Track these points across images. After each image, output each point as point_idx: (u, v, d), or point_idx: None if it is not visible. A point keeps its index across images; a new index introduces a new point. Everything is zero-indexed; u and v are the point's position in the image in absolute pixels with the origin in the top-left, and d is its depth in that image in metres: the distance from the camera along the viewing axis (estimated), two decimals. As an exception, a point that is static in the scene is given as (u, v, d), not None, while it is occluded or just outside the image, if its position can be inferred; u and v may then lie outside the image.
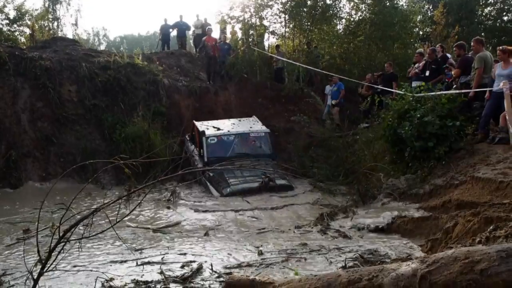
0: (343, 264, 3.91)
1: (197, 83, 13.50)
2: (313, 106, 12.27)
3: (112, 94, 11.64)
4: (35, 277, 2.82)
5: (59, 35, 16.25)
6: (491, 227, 3.58)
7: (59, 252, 2.87)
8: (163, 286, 3.39)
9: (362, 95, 11.64)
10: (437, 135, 6.61)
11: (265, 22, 14.93)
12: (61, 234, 2.81)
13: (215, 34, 14.88)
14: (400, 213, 5.84)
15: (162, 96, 12.32)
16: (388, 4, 14.37)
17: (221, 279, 3.55)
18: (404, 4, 16.02)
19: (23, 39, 15.72)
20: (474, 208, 4.55)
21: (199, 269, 3.81)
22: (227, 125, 10.57)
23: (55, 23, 17.49)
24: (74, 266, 3.99)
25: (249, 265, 4.06)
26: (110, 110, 11.44)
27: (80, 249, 3.37)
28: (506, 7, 20.49)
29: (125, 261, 4.26)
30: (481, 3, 20.41)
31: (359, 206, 6.93)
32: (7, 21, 15.79)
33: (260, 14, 14.66)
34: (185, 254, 4.48)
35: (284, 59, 13.20)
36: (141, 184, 3.89)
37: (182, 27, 16.45)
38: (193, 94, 12.89)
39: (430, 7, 19.62)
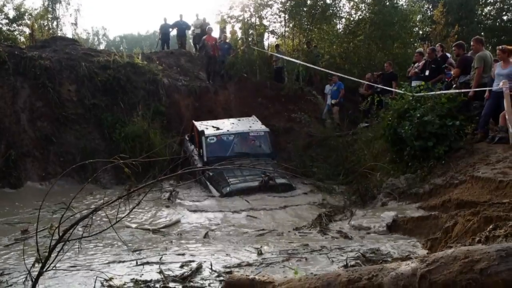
0: (345, 263, 3.90)
1: (196, 82, 13.50)
2: (313, 106, 12.26)
3: (111, 93, 11.63)
4: (33, 277, 2.82)
5: (59, 34, 16.22)
6: (490, 227, 3.58)
7: (59, 252, 2.87)
8: (162, 285, 3.39)
9: (362, 95, 11.65)
10: (436, 134, 6.62)
11: (265, 22, 14.92)
12: (60, 234, 2.81)
13: (215, 33, 14.89)
14: (400, 212, 5.84)
15: (162, 96, 12.32)
16: (387, 3, 14.35)
17: (221, 278, 3.55)
18: (404, 4, 16.02)
19: (22, 39, 15.71)
20: (473, 208, 4.55)
21: (199, 269, 3.80)
22: (226, 125, 10.57)
23: (55, 23, 17.46)
24: (73, 266, 3.98)
25: (249, 264, 4.06)
26: (110, 110, 11.43)
27: (80, 249, 3.37)
28: (505, 7, 20.50)
29: (124, 261, 4.26)
30: (480, 3, 20.41)
31: (359, 206, 6.93)
32: (7, 21, 15.79)
33: (259, 14, 14.64)
34: (184, 254, 4.47)
35: (285, 57, 13.20)
36: (141, 183, 3.90)
37: (182, 27, 16.45)
38: (192, 93, 12.89)
39: (430, 7, 19.62)
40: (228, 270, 3.81)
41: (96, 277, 3.44)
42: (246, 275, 2.92)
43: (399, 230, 5.47)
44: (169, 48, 16.39)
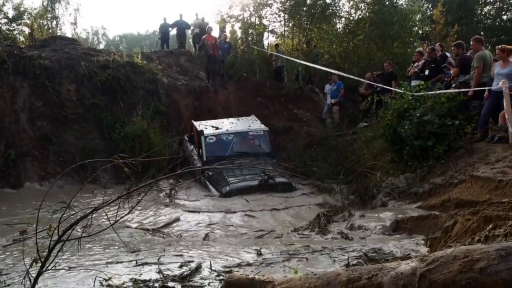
0: (346, 263, 3.89)
1: (196, 82, 13.51)
2: (313, 105, 12.27)
3: (111, 93, 11.63)
4: (31, 277, 2.81)
5: (58, 34, 16.21)
6: (490, 226, 3.58)
7: (58, 252, 2.86)
8: (161, 285, 3.38)
9: (362, 94, 11.65)
10: (436, 134, 6.62)
11: (265, 21, 14.93)
12: (60, 234, 2.81)
13: (214, 33, 14.88)
14: (399, 212, 5.84)
15: (162, 95, 12.32)
16: (387, 3, 14.37)
17: (221, 277, 3.55)
18: (403, 3, 16.04)
19: (22, 38, 15.69)
20: (473, 207, 4.55)
21: (198, 268, 3.79)
22: (225, 125, 10.57)
23: (54, 22, 17.46)
24: (71, 268, 3.97)
25: (249, 264, 4.05)
26: (109, 109, 11.44)
27: (79, 248, 3.36)
28: (505, 6, 20.50)
29: (123, 262, 4.25)
30: (480, 2, 20.41)
31: (359, 205, 6.93)
32: (6, 20, 15.78)
33: (259, 13, 14.65)
34: (183, 255, 4.46)
35: (284, 57, 13.20)
36: (140, 183, 3.89)
37: (181, 26, 16.44)
38: (192, 93, 12.89)
39: (430, 6, 19.62)
40: (227, 270, 3.81)
41: (96, 276, 3.43)
42: (246, 275, 2.92)
43: (400, 230, 5.47)
44: (168, 48, 16.39)
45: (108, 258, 4.49)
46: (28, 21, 16.01)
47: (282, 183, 8.82)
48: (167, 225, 6.67)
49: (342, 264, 3.87)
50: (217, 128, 10.24)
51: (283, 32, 15.46)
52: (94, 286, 3.36)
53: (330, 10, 14.64)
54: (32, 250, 2.91)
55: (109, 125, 11.15)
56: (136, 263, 4.12)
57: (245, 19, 14.58)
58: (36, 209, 3.31)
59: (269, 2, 14.53)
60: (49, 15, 17.34)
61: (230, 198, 8.26)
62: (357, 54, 14.44)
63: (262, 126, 10.43)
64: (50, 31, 16.71)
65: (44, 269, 2.80)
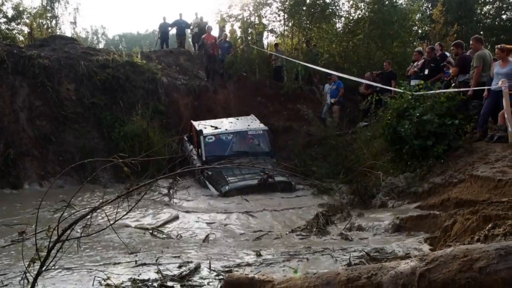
0: (348, 263, 3.87)
1: (196, 81, 13.50)
2: (312, 105, 12.27)
3: (111, 92, 11.63)
4: (29, 277, 2.81)
5: (58, 33, 16.22)
6: (489, 225, 3.59)
7: (58, 251, 2.86)
8: (159, 284, 3.38)
9: (362, 94, 11.65)
10: (436, 133, 6.62)
11: (264, 21, 14.92)
12: (59, 233, 2.81)
13: (214, 32, 14.88)
14: (399, 212, 5.84)
15: (161, 95, 12.32)
16: (387, 2, 14.37)
17: (220, 277, 3.55)
18: (403, 3, 16.04)
19: (21, 38, 15.69)
20: (472, 207, 4.56)
21: (197, 268, 3.79)
22: (224, 124, 10.56)
23: (54, 21, 17.47)
24: (69, 268, 3.97)
25: (248, 264, 4.04)
26: (109, 109, 11.43)
27: (79, 248, 3.36)
28: (504, 5, 20.52)
29: (122, 262, 4.24)
30: (480, 2, 20.43)
31: (358, 205, 6.93)
32: (5, 20, 15.77)
33: (259, 13, 14.64)
34: (181, 256, 4.44)
35: (284, 56, 13.19)
36: (140, 182, 3.89)
37: (181, 26, 16.43)
38: (192, 92, 12.88)
39: (429, 6, 19.63)
40: (227, 270, 3.80)
41: (94, 276, 3.43)
42: (246, 274, 2.92)
43: (400, 230, 5.47)
44: (168, 47, 16.37)
45: (107, 258, 4.48)
46: (27, 21, 16.02)
47: (282, 182, 8.81)
48: (166, 223, 6.65)
49: (344, 264, 3.86)
50: (216, 128, 10.23)
51: (283, 32, 15.47)
52: (93, 285, 3.36)
53: (330, 10, 14.64)
54: (30, 251, 2.90)
55: (109, 124, 11.15)
56: (136, 262, 4.12)
57: (245, 19, 14.58)
58: (36, 209, 3.30)
59: (269, 1, 14.53)
60: (48, 15, 17.35)
61: (229, 198, 8.25)
62: (357, 53, 14.44)
63: (262, 126, 10.42)
64: (49, 30, 16.71)
65: (43, 268, 2.80)
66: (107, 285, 3.29)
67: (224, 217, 6.99)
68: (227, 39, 14.38)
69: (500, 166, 5.43)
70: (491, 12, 20.88)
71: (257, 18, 14.78)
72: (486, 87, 6.79)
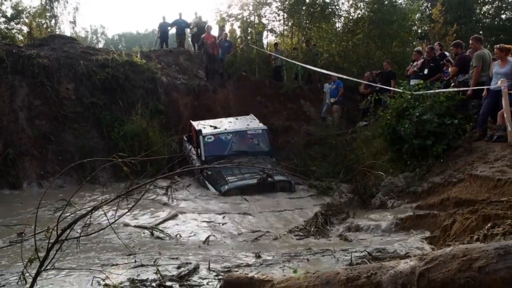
0: (350, 263, 3.86)
1: (195, 81, 13.50)
2: (312, 104, 12.27)
3: (110, 92, 11.62)
4: (27, 277, 2.80)
5: (57, 33, 16.19)
6: (489, 225, 3.59)
7: (57, 251, 2.85)
8: (158, 284, 3.37)
9: (362, 94, 11.65)
10: (435, 133, 6.62)
11: (264, 20, 14.91)
12: (59, 233, 2.80)
13: (214, 32, 14.88)
14: (398, 211, 5.84)
15: (161, 94, 12.31)
16: (386, 2, 14.36)
17: (219, 277, 3.54)
18: (402, 2, 16.04)
19: (20, 37, 15.68)
20: (472, 206, 4.56)
21: (196, 269, 3.78)
22: (224, 124, 10.56)
23: (53, 21, 17.44)
24: (68, 268, 3.96)
25: (248, 265, 4.03)
26: (109, 108, 11.42)
27: (78, 248, 3.36)
28: (504, 5, 20.51)
29: (121, 263, 4.23)
30: (479, 1, 20.41)
31: (357, 205, 6.92)
32: (5, 19, 15.76)
33: (258, 12, 14.63)
34: (179, 258, 4.42)
35: (282, 57, 13.19)
36: (140, 182, 3.89)
37: (181, 25, 16.42)
38: (191, 92, 12.88)
39: (429, 5, 19.62)
40: (226, 270, 3.80)
41: (93, 277, 3.43)
42: (245, 273, 2.92)
43: (399, 230, 5.47)
44: (168, 47, 16.36)
45: (106, 260, 4.47)
46: (26, 20, 16.00)
47: (281, 181, 8.81)
48: (165, 221, 6.64)
49: (346, 264, 3.85)
50: (215, 128, 10.22)
51: (283, 31, 15.46)
52: (91, 286, 3.36)
53: (329, 9, 14.63)
54: (29, 252, 2.89)
55: (108, 124, 11.14)
56: (135, 261, 4.12)
57: (244, 18, 14.57)
58: (36, 208, 3.30)
59: (268, 1, 14.52)
60: (48, 14, 17.31)
61: (228, 198, 8.24)
62: (356, 53, 14.43)
63: (261, 125, 10.42)
64: (49, 30, 16.68)
65: (42, 268, 2.80)
66: (106, 285, 3.28)
67: (223, 218, 6.97)
68: (227, 38, 14.37)
69: (499, 165, 5.43)
70: (490, 12, 20.88)
71: (256, 17, 14.78)
72: (485, 87, 6.79)
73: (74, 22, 18.11)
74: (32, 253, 2.83)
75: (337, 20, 15.38)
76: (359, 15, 14.80)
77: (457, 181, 5.73)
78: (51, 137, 10.54)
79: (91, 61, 11.97)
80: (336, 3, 14.88)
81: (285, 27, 15.34)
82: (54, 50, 12.30)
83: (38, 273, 2.80)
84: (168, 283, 3.42)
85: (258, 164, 8.82)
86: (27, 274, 2.82)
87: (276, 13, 14.71)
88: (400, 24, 14.00)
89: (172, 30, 16.83)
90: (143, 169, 7.38)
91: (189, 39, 17.93)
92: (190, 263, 4.02)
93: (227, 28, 15.74)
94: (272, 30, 15.30)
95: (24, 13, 16.19)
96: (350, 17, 15.05)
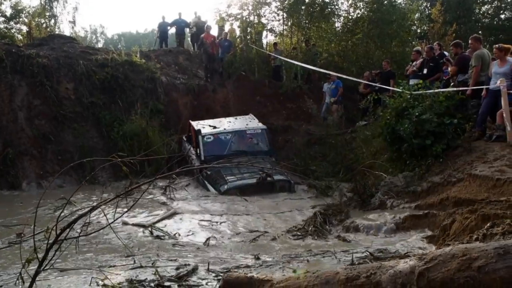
0: (351, 263, 3.85)
1: (195, 80, 13.49)
2: (312, 104, 12.28)
3: (109, 91, 11.61)
4: (25, 278, 2.79)
5: (56, 32, 16.18)
6: (488, 224, 3.60)
7: (56, 251, 2.85)
8: (156, 284, 3.37)
9: (361, 93, 11.65)
10: (434, 132, 6.63)
11: (263, 20, 14.91)
12: (58, 232, 2.80)
13: (213, 32, 14.87)
14: (398, 211, 5.84)
15: (160, 94, 12.31)
16: (386, 2, 14.36)
17: (219, 277, 3.54)
18: (402, 2, 16.05)
19: (20, 37, 15.64)
20: (471, 206, 4.57)
21: (195, 269, 3.77)
22: (223, 124, 10.55)
23: (52, 21, 17.44)
24: (67, 268, 3.95)
25: (247, 266, 4.02)
26: (108, 108, 11.42)
27: (77, 247, 3.35)
28: (503, 5, 20.53)
29: (120, 264, 4.22)
30: (478, 1, 20.42)
31: (357, 205, 6.92)
32: (4, 19, 15.74)
33: (258, 12, 14.63)
34: (177, 260, 4.42)
35: (282, 58, 13.19)
36: (139, 181, 3.88)
37: (180, 25, 16.39)
38: (191, 91, 12.88)
39: (428, 5, 19.63)
40: (225, 270, 3.79)
41: (92, 277, 3.42)
42: (245, 273, 2.92)
43: (399, 229, 5.47)
44: (167, 46, 16.34)
45: (104, 261, 4.46)
46: (26, 20, 15.97)
47: (281, 180, 8.81)
48: (163, 219, 6.63)
49: (348, 265, 3.83)
50: (214, 127, 10.22)
51: (282, 31, 15.45)
52: (90, 286, 3.35)
53: (329, 9, 14.63)
54: (28, 253, 2.87)
55: (108, 123, 11.14)
56: (134, 261, 4.12)
57: (244, 18, 14.56)
58: (35, 208, 3.29)
59: (268, 0, 14.52)
60: (47, 14, 17.30)
61: (228, 198, 8.23)
62: (356, 53, 14.44)
63: (260, 125, 10.41)
64: (48, 29, 16.66)
65: (42, 268, 2.79)
66: (104, 285, 3.28)
67: (221, 217, 6.96)
68: (227, 38, 14.36)
69: (498, 165, 5.44)
70: (489, 12, 20.89)
71: (256, 17, 14.77)
72: (484, 87, 6.79)
73: (73, 22, 18.16)
74: (31, 254, 2.82)
75: (336, 20, 15.38)
76: (359, 15, 14.80)
77: (456, 181, 5.73)
78: (51, 137, 10.53)
79: (91, 61, 11.96)
80: (335, 3, 14.90)
81: (285, 27, 15.34)
82: (54, 49, 12.29)
83: (37, 273, 2.79)
84: (167, 283, 3.41)
85: (258, 164, 8.81)
86: (25, 275, 2.81)
87: (275, 12, 14.73)
88: (400, 24, 14.01)
89: (172, 30, 16.81)
90: (142, 169, 7.38)
91: (189, 39, 17.91)
92: (189, 264, 4.02)
93: (227, 28, 15.74)
94: (271, 30, 15.31)
95: (24, 12, 16.17)
96: (350, 17, 15.06)
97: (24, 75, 10.88)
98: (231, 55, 13.73)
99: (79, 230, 3.34)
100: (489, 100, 6.64)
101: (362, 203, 6.89)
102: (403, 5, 15.63)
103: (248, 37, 14.74)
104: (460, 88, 7.27)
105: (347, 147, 9.96)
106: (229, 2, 14.35)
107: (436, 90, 7.27)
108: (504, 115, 6.15)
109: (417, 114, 6.81)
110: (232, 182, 8.67)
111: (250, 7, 14.45)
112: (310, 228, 5.85)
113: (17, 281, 3.03)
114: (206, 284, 3.44)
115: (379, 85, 10.10)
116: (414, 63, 9.76)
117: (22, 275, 2.80)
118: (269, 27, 15.10)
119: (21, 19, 16.08)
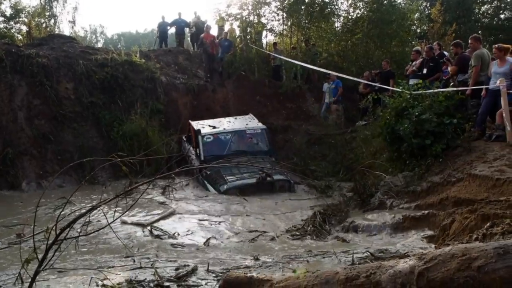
0: (352, 263, 3.85)
1: (194, 80, 13.48)
2: (312, 104, 12.28)
3: (109, 91, 11.61)
4: (24, 278, 2.79)
5: (56, 32, 16.17)
6: (488, 224, 3.60)
7: (56, 251, 2.85)
8: (155, 284, 3.37)
9: (361, 93, 11.66)
10: (434, 132, 6.63)
11: (263, 20, 14.91)
12: (58, 232, 2.80)
13: (213, 31, 14.86)
14: (397, 211, 5.84)
15: (160, 94, 12.30)
16: (385, 1, 14.38)
17: (218, 278, 3.54)
18: (401, 2, 16.06)
19: (19, 37, 15.64)
20: (471, 205, 4.57)
21: (194, 270, 3.77)
22: (223, 123, 10.55)
23: (52, 20, 17.43)
24: (65, 270, 3.95)
25: (247, 267, 4.02)
26: (108, 108, 11.42)
27: (77, 247, 3.35)
28: (503, 5, 20.54)
29: (119, 264, 4.22)
30: (478, 1, 20.44)
31: (357, 205, 6.92)
32: (4, 19, 15.73)
33: (258, 12, 14.63)
34: (177, 260, 4.41)
35: (282, 57, 13.19)
36: (139, 181, 3.88)
37: (180, 25, 16.38)
38: (190, 91, 12.87)
39: (428, 5, 19.64)
40: (225, 271, 3.79)
41: (91, 277, 3.42)
42: (245, 273, 2.91)
43: (399, 229, 5.47)
44: (167, 46, 16.34)
45: (104, 261, 4.46)
46: (26, 20, 15.96)
47: (281, 180, 8.81)
48: (162, 218, 6.62)
49: (348, 265, 3.83)
50: (214, 127, 10.22)
51: (282, 31, 15.45)
52: (89, 286, 3.35)
53: (329, 9, 14.63)
54: (27, 253, 2.87)
55: (107, 123, 11.14)
56: (134, 261, 4.12)
57: (244, 18, 14.56)
58: (35, 208, 3.29)
59: (268, 0, 14.52)
60: (47, 14, 17.29)
61: (227, 197, 8.23)
62: (355, 52, 14.45)
63: (260, 125, 10.41)
64: (48, 29, 16.65)
65: (41, 268, 2.79)
66: (104, 285, 3.28)
67: (221, 217, 6.96)
68: (227, 37, 14.36)
69: (498, 165, 5.44)
70: (489, 12, 20.91)
71: (256, 17, 14.77)
72: (484, 86, 6.80)
73: (73, 22, 18.15)
74: (30, 254, 2.82)
75: (336, 20, 15.39)
76: (358, 15, 14.81)
77: (456, 181, 5.73)
78: (50, 137, 10.53)
79: (90, 61, 11.95)
80: (335, 3, 14.91)
81: (284, 27, 15.34)
82: (53, 49, 12.28)
83: (36, 273, 2.80)
84: (166, 283, 3.41)
85: (257, 164, 8.82)
86: (24, 276, 2.81)
87: (275, 12, 14.73)
88: (399, 23, 14.02)
89: (172, 30, 16.80)
90: (142, 169, 7.38)
91: (188, 39, 17.90)
92: (188, 265, 4.02)
93: (226, 28, 15.74)
94: (271, 30, 15.31)
95: (23, 12, 16.17)
96: (349, 17, 15.07)
97: (24, 75, 10.87)
98: (231, 55, 13.73)
99: (79, 230, 3.34)
100: (489, 100, 6.65)
101: (361, 203, 6.88)
102: (402, 5, 15.65)
103: (248, 37, 14.74)
104: (460, 88, 7.27)
105: (347, 147, 9.96)
106: (228, 2, 14.38)
107: (436, 90, 7.27)
108: (504, 115, 6.15)
109: (416, 114, 6.81)
110: (231, 182, 8.67)
111: (250, 7, 14.46)
112: (309, 228, 5.84)
113: (16, 282, 3.03)
114: (206, 284, 3.44)
115: (379, 85, 10.10)
116: (414, 63, 9.76)
117: (21, 275, 2.80)
118: (269, 27, 15.13)
119: (20, 19, 16.09)
